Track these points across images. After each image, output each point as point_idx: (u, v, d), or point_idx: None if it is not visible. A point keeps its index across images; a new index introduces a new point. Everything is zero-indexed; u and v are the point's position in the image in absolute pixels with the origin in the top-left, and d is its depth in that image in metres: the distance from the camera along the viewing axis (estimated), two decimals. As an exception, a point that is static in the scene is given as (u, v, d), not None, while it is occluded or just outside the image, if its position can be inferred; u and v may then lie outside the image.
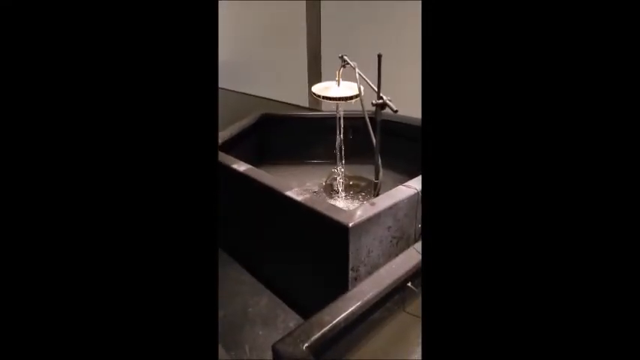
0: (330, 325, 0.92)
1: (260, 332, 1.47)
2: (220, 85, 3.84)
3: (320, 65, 3.32)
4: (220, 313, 1.53)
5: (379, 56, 1.50)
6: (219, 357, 1.32)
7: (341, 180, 2.03)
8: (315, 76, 3.31)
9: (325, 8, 3.16)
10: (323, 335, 0.90)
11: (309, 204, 1.34)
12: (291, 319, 1.51)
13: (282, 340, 0.88)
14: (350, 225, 1.22)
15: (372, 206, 1.33)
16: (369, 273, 1.21)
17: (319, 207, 1.32)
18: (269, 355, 0.90)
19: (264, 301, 1.61)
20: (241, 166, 1.63)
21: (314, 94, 1.78)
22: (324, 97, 1.75)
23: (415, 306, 1.12)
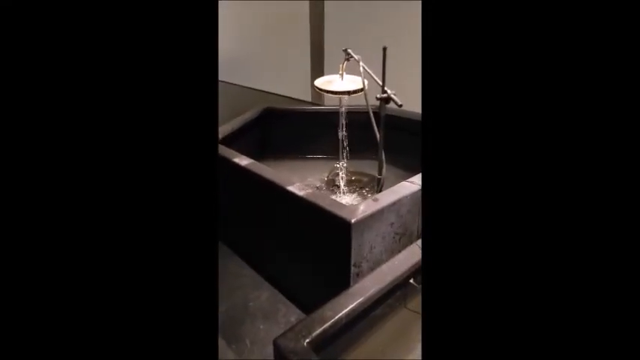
0: (332, 320, 0.92)
1: (261, 326, 1.46)
2: (223, 79, 3.82)
3: (323, 60, 3.30)
4: (221, 308, 1.52)
5: (384, 49, 1.48)
6: (220, 351, 1.32)
7: (343, 175, 2.02)
8: (318, 71, 3.29)
9: (328, 7, 3.15)
10: (324, 331, 0.90)
11: (311, 199, 1.34)
12: (292, 314, 1.51)
13: (283, 335, 0.88)
14: (352, 221, 1.21)
15: (375, 202, 1.32)
16: (371, 269, 1.20)
17: (321, 202, 1.32)
18: (270, 349, 0.90)
19: (264, 295, 1.60)
20: (243, 160, 1.62)
21: (317, 88, 1.76)
22: (327, 91, 1.73)
23: (417, 303, 1.11)
